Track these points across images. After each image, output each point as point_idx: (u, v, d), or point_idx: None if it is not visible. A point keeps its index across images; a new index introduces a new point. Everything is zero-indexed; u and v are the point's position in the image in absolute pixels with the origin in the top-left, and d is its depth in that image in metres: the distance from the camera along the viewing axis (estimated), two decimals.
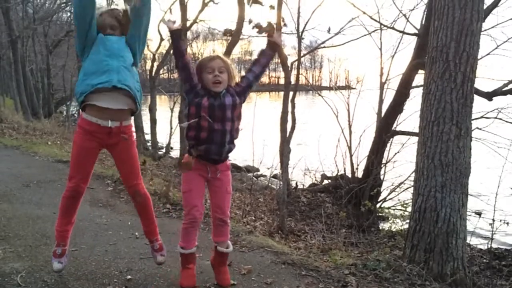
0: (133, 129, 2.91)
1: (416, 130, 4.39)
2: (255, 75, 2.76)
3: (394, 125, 7.69)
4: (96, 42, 2.67)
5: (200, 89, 2.61)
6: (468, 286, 3.57)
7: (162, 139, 13.69)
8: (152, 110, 12.51)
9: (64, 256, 2.86)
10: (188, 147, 2.70)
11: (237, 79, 2.73)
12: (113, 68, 2.62)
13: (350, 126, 8.26)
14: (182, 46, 2.61)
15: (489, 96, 6.00)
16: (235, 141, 2.74)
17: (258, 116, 7.82)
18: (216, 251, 2.88)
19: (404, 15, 7.80)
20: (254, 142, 7.91)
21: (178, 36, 2.60)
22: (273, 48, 2.80)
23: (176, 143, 12.23)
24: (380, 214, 7.57)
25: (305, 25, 7.62)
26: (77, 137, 2.73)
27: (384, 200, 7.79)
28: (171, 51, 12.96)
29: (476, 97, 3.85)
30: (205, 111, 2.54)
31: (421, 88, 4.10)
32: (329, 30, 7.27)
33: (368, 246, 5.27)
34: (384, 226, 7.00)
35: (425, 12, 7.29)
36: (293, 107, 7.19)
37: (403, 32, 7.96)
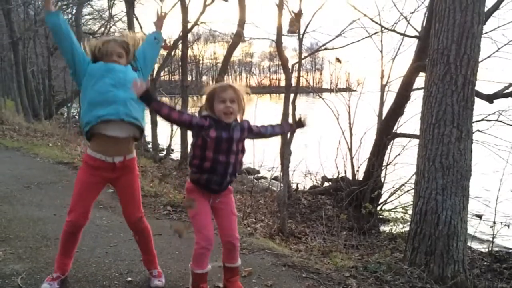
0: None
1: (417, 132, 4.38)
2: (271, 133, 2.79)
3: (395, 128, 7.68)
4: (98, 71, 2.65)
5: (204, 119, 2.51)
6: None
7: (162, 141, 13.70)
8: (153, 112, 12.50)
9: (55, 282, 2.78)
10: (191, 172, 2.66)
11: (247, 109, 2.66)
12: (120, 99, 2.62)
13: (350, 128, 8.25)
14: (156, 106, 2.44)
15: (490, 98, 5.99)
16: (237, 173, 2.74)
17: (259, 118, 7.82)
18: (225, 267, 2.84)
19: (405, 18, 7.80)
20: (254, 144, 7.89)
21: (150, 98, 2.43)
22: (299, 127, 2.95)
23: (176, 145, 12.24)
24: (380, 217, 7.55)
25: (306, 27, 7.61)
26: (81, 172, 2.76)
27: (385, 202, 7.78)
28: (172, 53, 13.00)
29: (477, 99, 3.85)
30: (212, 142, 2.48)
31: (422, 90, 4.10)
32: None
33: (368, 248, 5.26)
34: (385, 228, 6.99)
35: (426, 15, 7.29)
36: (294, 109, 7.19)
37: (404, 35, 7.96)
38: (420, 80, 7.17)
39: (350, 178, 8.21)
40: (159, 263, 3.07)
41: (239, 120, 2.62)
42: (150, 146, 13.12)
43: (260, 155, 8.31)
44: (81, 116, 2.72)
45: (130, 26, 11.77)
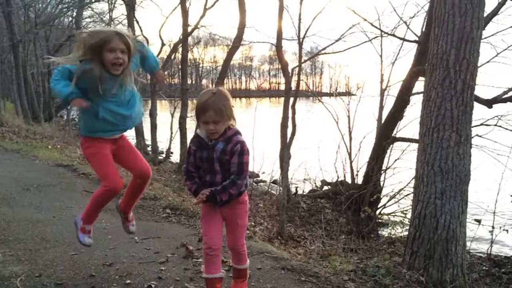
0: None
1: (416, 136, 4.40)
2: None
3: (394, 132, 7.70)
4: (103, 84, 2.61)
5: (192, 145, 2.59)
6: None
7: (162, 144, 13.70)
8: (153, 115, 12.54)
9: (91, 234, 3.00)
10: None
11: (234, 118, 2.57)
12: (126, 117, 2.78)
13: (350, 132, 8.26)
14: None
15: (489, 103, 6.01)
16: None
17: (258, 122, 7.84)
18: (232, 267, 2.87)
19: (405, 22, 7.83)
20: (254, 147, 7.90)
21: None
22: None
23: (176, 148, 12.24)
24: (380, 221, 7.56)
25: (306, 31, 7.65)
26: (88, 151, 2.83)
27: (384, 206, 7.78)
28: (172, 56, 13.02)
29: (476, 104, 3.86)
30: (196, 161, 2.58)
31: (421, 94, 4.11)
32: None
33: (367, 252, 5.26)
34: (384, 232, 6.99)
35: (426, 20, 7.32)
36: (294, 113, 7.22)
37: (403, 39, 7.99)
38: (419, 85, 7.20)
39: (350, 182, 8.22)
40: (159, 264, 3.08)
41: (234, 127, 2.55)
42: (149, 149, 13.13)
43: (259, 159, 8.33)
44: (83, 123, 2.80)
45: (131, 29, 11.80)
